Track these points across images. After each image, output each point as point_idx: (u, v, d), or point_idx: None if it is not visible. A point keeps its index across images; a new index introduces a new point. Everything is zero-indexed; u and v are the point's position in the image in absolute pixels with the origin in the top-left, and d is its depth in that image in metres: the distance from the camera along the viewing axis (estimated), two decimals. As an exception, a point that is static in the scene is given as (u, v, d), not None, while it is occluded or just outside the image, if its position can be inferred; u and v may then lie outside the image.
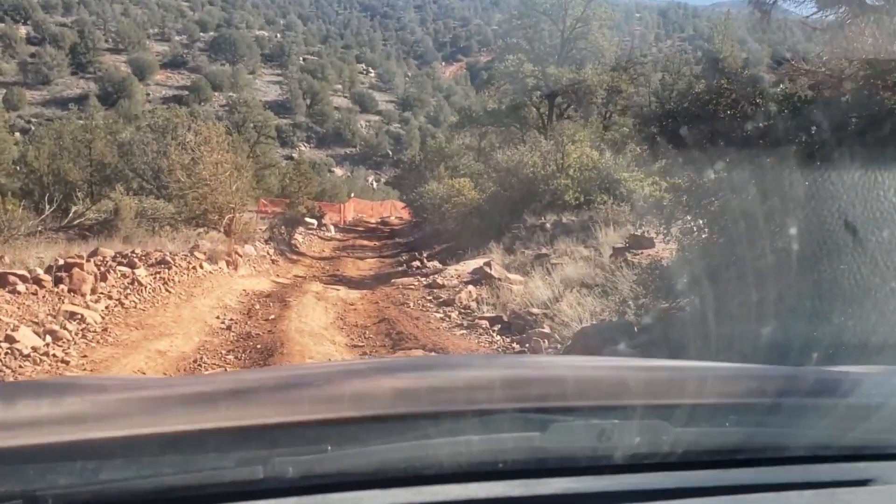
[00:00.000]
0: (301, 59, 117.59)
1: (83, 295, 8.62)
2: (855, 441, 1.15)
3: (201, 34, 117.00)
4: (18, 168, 26.61)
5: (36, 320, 7.26)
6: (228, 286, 12.26)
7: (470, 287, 11.44)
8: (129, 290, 9.76)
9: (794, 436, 1.13)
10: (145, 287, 10.10)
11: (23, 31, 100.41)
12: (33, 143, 29.62)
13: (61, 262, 9.33)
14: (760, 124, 4.79)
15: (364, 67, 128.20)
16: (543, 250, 13.10)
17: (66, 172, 23.15)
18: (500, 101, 31.39)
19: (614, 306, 7.43)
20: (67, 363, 6.34)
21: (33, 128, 54.33)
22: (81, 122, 30.32)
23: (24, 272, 8.56)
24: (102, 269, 10.43)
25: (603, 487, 0.98)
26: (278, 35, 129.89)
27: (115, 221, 18.39)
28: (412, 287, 12.55)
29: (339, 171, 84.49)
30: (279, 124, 76.91)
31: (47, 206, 19.00)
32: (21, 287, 8.09)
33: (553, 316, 8.11)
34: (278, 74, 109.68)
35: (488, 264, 12.47)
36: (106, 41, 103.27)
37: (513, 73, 28.49)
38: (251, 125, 48.42)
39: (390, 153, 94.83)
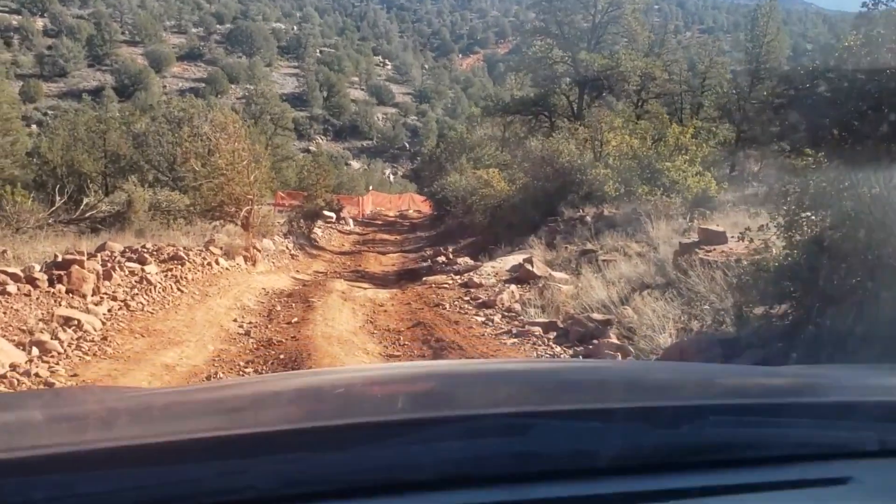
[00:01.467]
0: (318, 51, 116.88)
1: (83, 296, 7.58)
2: (833, 439, 1.13)
3: (218, 26, 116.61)
4: (32, 159, 25.96)
5: (24, 328, 6.20)
6: (246, 284, 11.25)
7: (512, 287, 10.34)
8: (136, 290, 8.73)
9: (774, 435, 1.11)
10: (155, 286, 9.07)
11: (40, 23, 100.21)
12: (47, 134, 28.96)
13: (59, 258, 8.28)
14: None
15: (381, 60, 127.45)
16: (588, 245, 11.97)
17: (80, 164, 22.46)
18: (521, 87, 30.28)
19: (701, 313, 6.30)
20: (52, 384, 5.25)
21: (49, 120, 53.71)
22: (96, 113, 29.56)
23: (17, 271, 7.52)
24: (109, 265, 9.44)
25: (586, 492, 0.95)
26: (295, 27, 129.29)
27: (128, 214, 17.52)
28: (446, 286, 11.47)
29: (355, 164, 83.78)
30: (296, 117, 76.27)
31: (58, 198, 18.18)
32: (12, 287, 7.06)
33: (622, 323, 7.00)
34: (295, 67, 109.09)
35: (529, 261, 11.37)
36: (122, 33, 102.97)
37: (541, 60, 27.32)
38: (268, 117, 47.78)
39: (407, 146, 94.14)
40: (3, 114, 28.90)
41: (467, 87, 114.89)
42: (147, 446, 0.88)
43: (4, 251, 11.75)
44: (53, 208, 17.91)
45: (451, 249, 18.75)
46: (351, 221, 30.04)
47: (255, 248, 13.94)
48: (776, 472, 1.05)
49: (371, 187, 51.30)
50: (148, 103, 56.24)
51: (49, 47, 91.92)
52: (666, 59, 27.39)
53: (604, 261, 10.41)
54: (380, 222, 34.58)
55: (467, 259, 14.61)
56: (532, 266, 11.03)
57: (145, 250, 11.06)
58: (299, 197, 27.94)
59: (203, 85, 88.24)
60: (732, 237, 8.95)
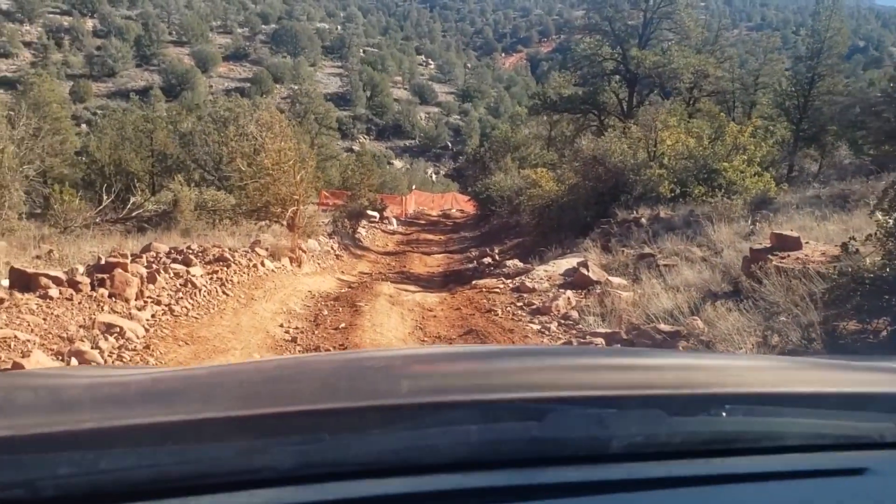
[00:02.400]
0: (361, 51, 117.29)
1: (126, 300, 7.34)
2: (850, 430, 1.13)
3: (263, 26, 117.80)
4: (81, 158, 26.27)
5: (64, 335, 5.95)
6: (292, 286, 10.97)
7: (567, 293, 9.88)
8: (181, 294, 8.47)
9: (790, 424, 1.10)
10: (200, 290, 8.81)
11: (89, 24, 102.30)
12: (95, 134, 29.31)
13: (103, 260, 8.06)
14: None
15: (424, 59, 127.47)
16: (646, 249, 11.44)
17: (128, 163, 22.62)
18: (566, 85, 29.72)
19: (783, 327, 5.78)
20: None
21: (98, 119, 54.71)
22: (143, 112, 29.84)
23: (60, 273, 7.31)
24: (155, 266, 9.24)
25: (601, 476, 0.96)
26: (339, 27, 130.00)
27: (174, 213, 17.47)
28: (497, 290, 11.03)
29: (398, 164, 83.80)
30: (340, 116, 76.51)
31: (105, 197, 18.24)
32: (54, 291, 6.84)
33: (692, 335, 6.51)
34: (339, 66, 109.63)
35: (584, 265, 10.89)
36: (169, 34, 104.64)
37: (590, 57, 26.72)
38: (312, 117, 47.90)
39: (450, 145, 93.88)
40: (54, 113, 29.36)
41: (510, 86, 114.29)
42: (167, 424, 0.89)
43: (51, 251, 11.67)
44: (101, 207, 17.96)
45: (497, 250, 18.34)
46: (394, 221, 29.82)
47: (300, 248, 13.69)
48: (791, 462, 1.04)
49: (414, 186, 51.13)
50: (194, 103, 56.83)
51: (98, 48, 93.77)
52: (719, 56, 26.56)
53: (664, 266, 9.89)
54: (423, 222, 34.32)
55: (516, 261, 14.15)
56: (588, 270, 10.54)
57: (190, 251, 10.87)
58: (343, 196, 27.82)
59: (248, 85, 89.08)
60: (807, 243, 8.39)
